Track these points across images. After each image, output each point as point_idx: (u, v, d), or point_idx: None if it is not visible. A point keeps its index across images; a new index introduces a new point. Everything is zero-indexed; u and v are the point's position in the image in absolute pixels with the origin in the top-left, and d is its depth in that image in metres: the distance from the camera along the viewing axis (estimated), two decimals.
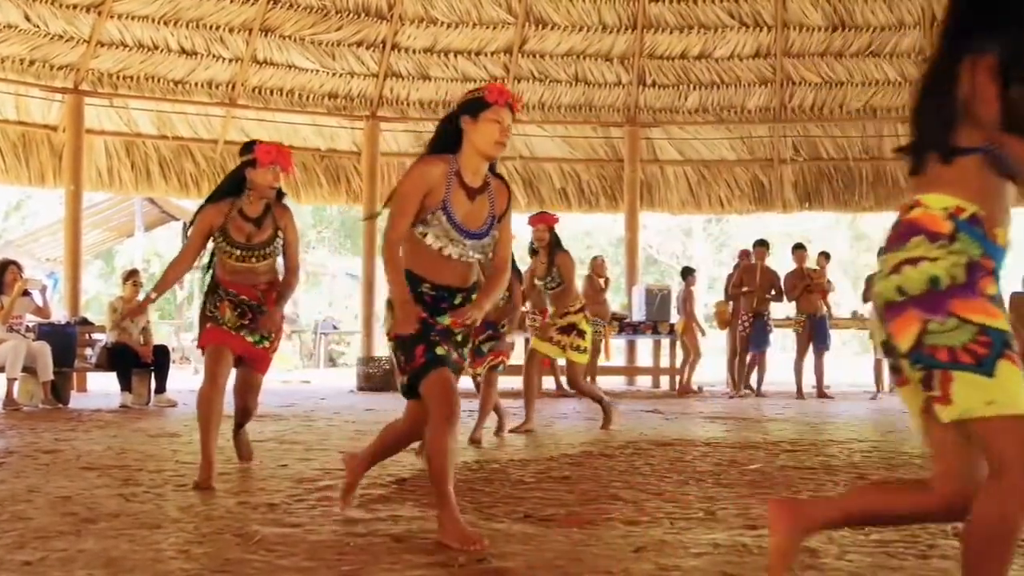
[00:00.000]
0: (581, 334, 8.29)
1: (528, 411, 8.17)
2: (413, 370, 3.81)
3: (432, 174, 3.82)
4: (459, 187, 3.85)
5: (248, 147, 5.44)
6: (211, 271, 5.53)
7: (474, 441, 7.15)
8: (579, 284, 10.11)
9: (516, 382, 9.37)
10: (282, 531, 3.96)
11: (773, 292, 13.51)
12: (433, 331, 3.83)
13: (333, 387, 14.78)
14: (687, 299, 14.11)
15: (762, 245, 13.76)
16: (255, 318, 5.38)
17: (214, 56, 14.86)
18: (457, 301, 3.88)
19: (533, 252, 8.55)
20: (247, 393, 5.66)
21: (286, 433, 7.83)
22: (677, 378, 14.24)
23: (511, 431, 7.93)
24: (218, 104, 15.16)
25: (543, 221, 8.54)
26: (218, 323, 5.35)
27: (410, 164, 3.96)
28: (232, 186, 5.44)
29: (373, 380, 13.82)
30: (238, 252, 5.34)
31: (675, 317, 14.50)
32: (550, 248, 8.41)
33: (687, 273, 14.56)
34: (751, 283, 13.44)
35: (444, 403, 3.73)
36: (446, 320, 3.86)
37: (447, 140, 3.91)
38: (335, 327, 26.82)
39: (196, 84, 14.95)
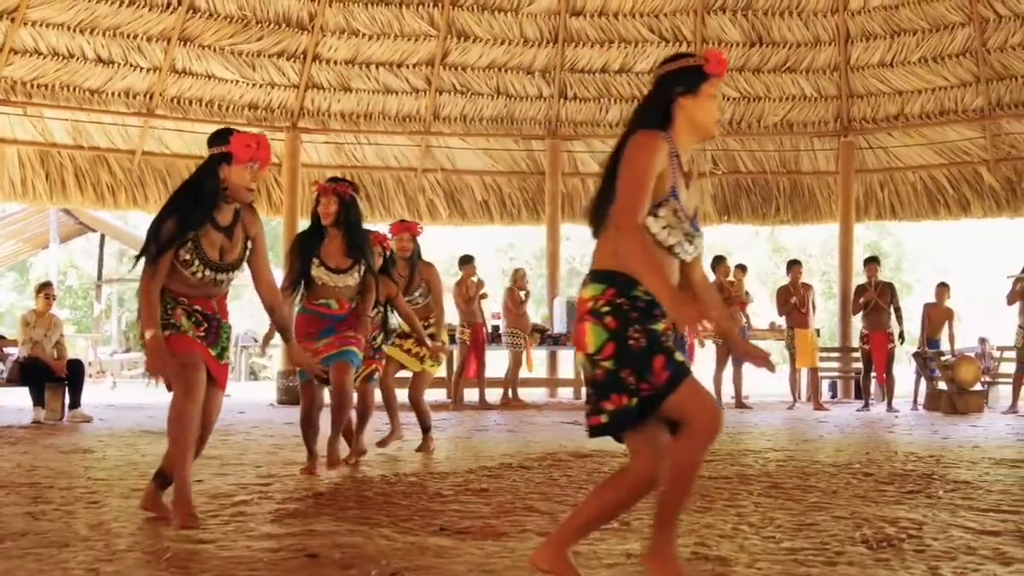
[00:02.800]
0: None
1: (393, 422, 7.61)
2: (657, 389, 3.09)
3: (663, 151, 3.18)
4: (679, 170, 3.25)
5: (221, 137, 4.51)
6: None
7: (360, 453, 6.95)
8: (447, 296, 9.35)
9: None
10: (194, 547, 3.91)
11: None
12: (662, 337, 3.16)
13: (252, 401, 14.62)
14: None
15: None
16: (210, 329, 4.57)
17: (131, 65, 14.65)
18: None
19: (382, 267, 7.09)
20: (209, 416, 4.64)
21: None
22: None
23: (378, 444, 7.49)
24: (135, 114, 14.95)
25: (407, 229, 7.66)
26: (179, 330, 4.48)
27: (633, 139, 3.22)
28: (210, 189, 4.47)
29: (292, 394, 13.68)
30: (207, 271, 4.49)
31: None
32: (412, 259, 7.62)
33: None
34: None
35: (711, 416, 3.11)
36: (659, 327, 3.18)
37: (658, 114, 3.29)
38: (256, 340, 26.51)
39: (113, 93, 14.73)
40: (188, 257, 4.44)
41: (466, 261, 13.17)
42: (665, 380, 3.09)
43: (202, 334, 4.53)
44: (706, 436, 3.12)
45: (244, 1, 14.82)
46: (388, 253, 7.29)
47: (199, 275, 4.48)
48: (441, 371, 15.59)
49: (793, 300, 13.59)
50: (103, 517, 4.62)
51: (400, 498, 5.16)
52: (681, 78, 3.28)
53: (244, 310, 33.25)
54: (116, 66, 14.60)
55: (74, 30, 14.15)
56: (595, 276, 3.22)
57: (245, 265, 4.69)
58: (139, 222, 30.01)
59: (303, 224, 15.15)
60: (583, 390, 12.00)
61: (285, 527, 4.35)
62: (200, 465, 6.55)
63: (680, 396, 3.09)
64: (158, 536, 4.15)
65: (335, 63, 15.60)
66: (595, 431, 3.18)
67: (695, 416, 3.09)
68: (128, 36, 14.48)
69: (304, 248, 6.38)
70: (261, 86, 15.42)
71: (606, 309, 3.15)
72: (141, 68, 14.73)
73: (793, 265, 13.90)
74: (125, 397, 15.18)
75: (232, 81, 15.24)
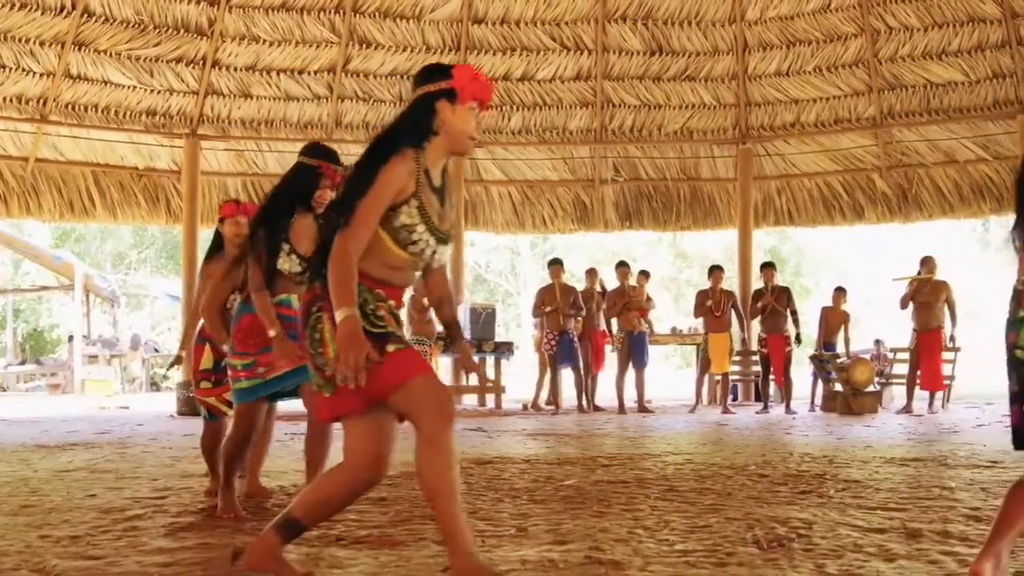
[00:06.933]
0: None
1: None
2: None
3: None
4: None
5: (440, 70, 3.38)
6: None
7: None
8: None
9: None
10: (83, 564, 3.83)
11: (573, 309, 13.63)
12: None
13: (152, 412, 14.36)
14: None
15: (556, 264, 13.92)
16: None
17: (24, 70, 14.32)
18: None
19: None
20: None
21: (98, 462, 7.57)
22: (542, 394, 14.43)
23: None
24: (28, 120, 14.61)
25: (244, 212, 5.81)
26: (405, 344, 3.29)
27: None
28: (423, 126, 3.36)
29: (192, 405, 13.45)
30: (431, 241, 3.32)
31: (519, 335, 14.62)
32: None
33: None
34: (552, 302, 13.57)
35: None
36: None
37: None
38: (157, 350, 26.07)
39: (4, 99, 14.38)
40: (409, 221, 3.25)
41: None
42: None
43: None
44: None
45: (141, 6, 14.58)
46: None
47: (420, 246, 3.29)
48: None
49: (709, 304, 13.73)
50: None
51: None
52: None
53: (145, 319, 32.67)
54: (7, 70, 14.26)
55: None
56: None
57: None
58: (33, 230, 29.31)
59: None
60: (488, 397, 11.87)
61: (179, 541, 4.28)
62: (93, 479, 6.45)
63: None
64: (46, 554, 4.06)
65: (235, 69, 15.43)
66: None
67: None
68: (20, 40, 14.16)
69: (273, 233, 4.88)
70: (159, 92, 15.18)
71: None
72: (34, 73, 14.40)
73: (714, 270, 13.99)
74: (18, 411, 14.79)
75: (129, 87, 14.98)
